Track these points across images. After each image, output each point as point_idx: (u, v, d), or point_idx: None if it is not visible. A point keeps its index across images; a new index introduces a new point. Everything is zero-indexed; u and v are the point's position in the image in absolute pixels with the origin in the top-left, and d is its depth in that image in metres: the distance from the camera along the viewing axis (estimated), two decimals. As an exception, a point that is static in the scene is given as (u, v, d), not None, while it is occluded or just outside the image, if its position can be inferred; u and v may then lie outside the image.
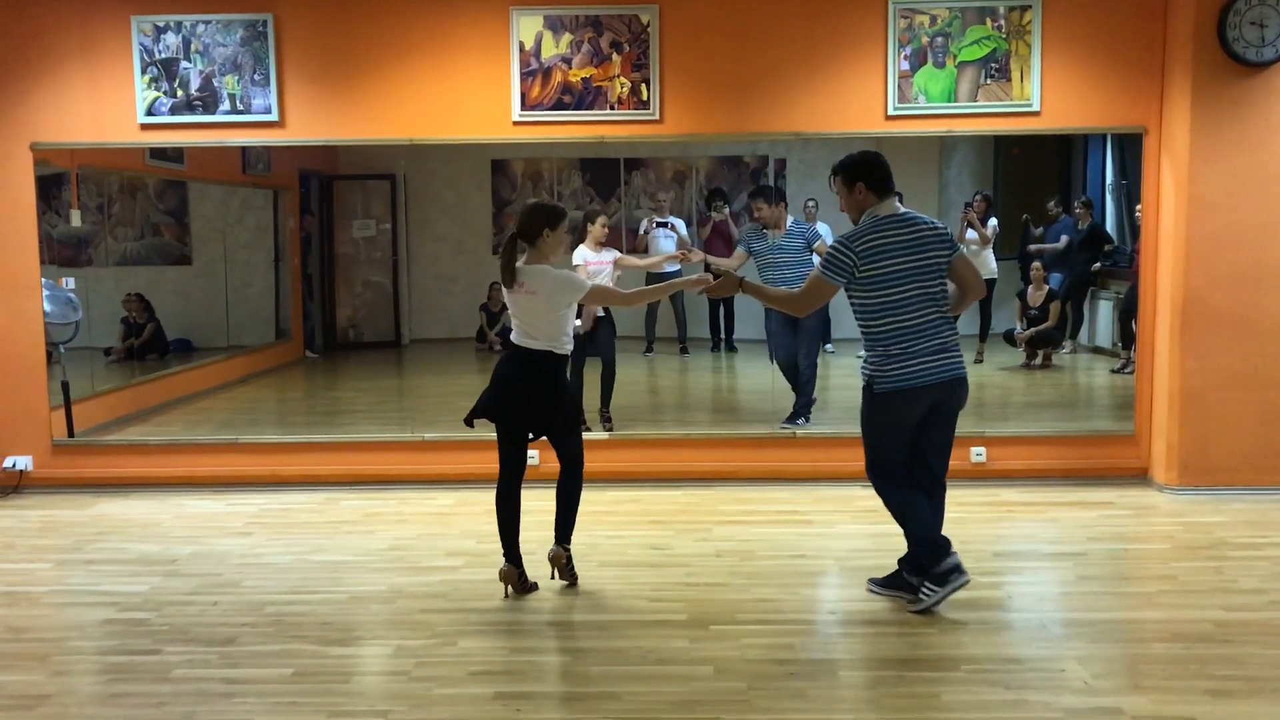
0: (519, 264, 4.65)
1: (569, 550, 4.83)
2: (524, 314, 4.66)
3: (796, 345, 7.26)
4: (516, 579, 4.73)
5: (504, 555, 4.75)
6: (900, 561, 4.60)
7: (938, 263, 4.36)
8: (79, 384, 7.01)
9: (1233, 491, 6.22)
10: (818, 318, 6.96)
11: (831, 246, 4.41)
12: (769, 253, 7.39)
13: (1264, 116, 6.07)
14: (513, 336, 4.69)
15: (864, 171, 4.40)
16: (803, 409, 7.14)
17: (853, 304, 4.43)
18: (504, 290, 4.70)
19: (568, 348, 4.71)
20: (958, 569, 4.38)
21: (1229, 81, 6.05)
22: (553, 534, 4.85)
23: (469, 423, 4.75)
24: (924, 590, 4.43)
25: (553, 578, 4.84)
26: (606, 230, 7.08)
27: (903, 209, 4.42)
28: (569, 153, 10.89)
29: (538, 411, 4.70)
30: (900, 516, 4.47)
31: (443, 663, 4.04)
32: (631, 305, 6.87)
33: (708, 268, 6.26)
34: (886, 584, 4.64)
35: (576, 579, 4.84)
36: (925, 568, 4.43)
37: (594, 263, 6.95)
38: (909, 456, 4.49)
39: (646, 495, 6.35)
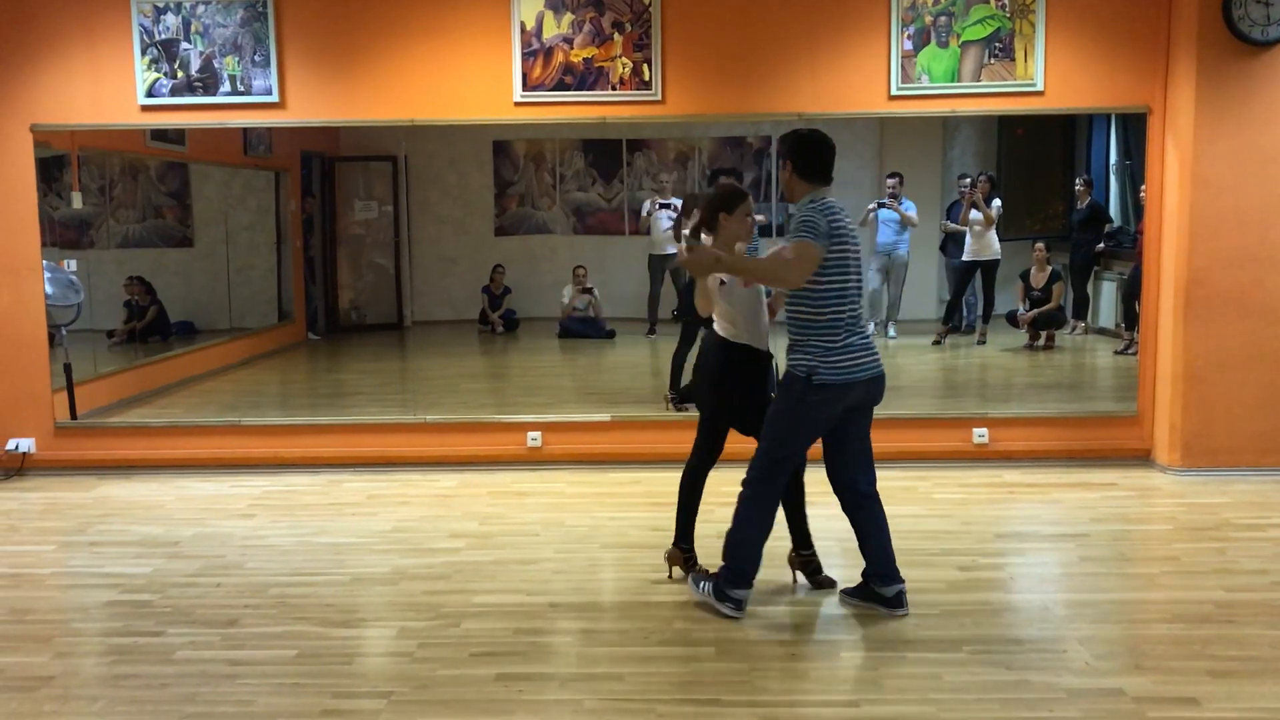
0: None
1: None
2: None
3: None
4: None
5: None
6: (864, 574, 4.39)
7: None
8: (81, 366, 7.02)
9: (1235, 472, 6.21)
10: None
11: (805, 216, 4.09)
12: None
13: (1269, 96, 6.03)
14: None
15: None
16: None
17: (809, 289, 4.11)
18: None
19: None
20: (738, 604, 4.27)
21: (1234, 61, 6.01)
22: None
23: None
24: (705, 585, 4.36)
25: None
26: None
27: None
28: (571, 134, 10.86)
29: None
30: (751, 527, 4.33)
31: (445, 644, 4.05)
32: None
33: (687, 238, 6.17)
34: (857, 594, 4.41)
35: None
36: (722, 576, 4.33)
37: None
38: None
39: (649, 477, 6.35)
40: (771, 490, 4.29)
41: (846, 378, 4.10)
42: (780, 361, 4.40)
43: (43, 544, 5.39)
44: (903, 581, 4.29)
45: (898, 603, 4.27)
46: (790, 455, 4.27)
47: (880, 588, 4.30)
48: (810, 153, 4.17)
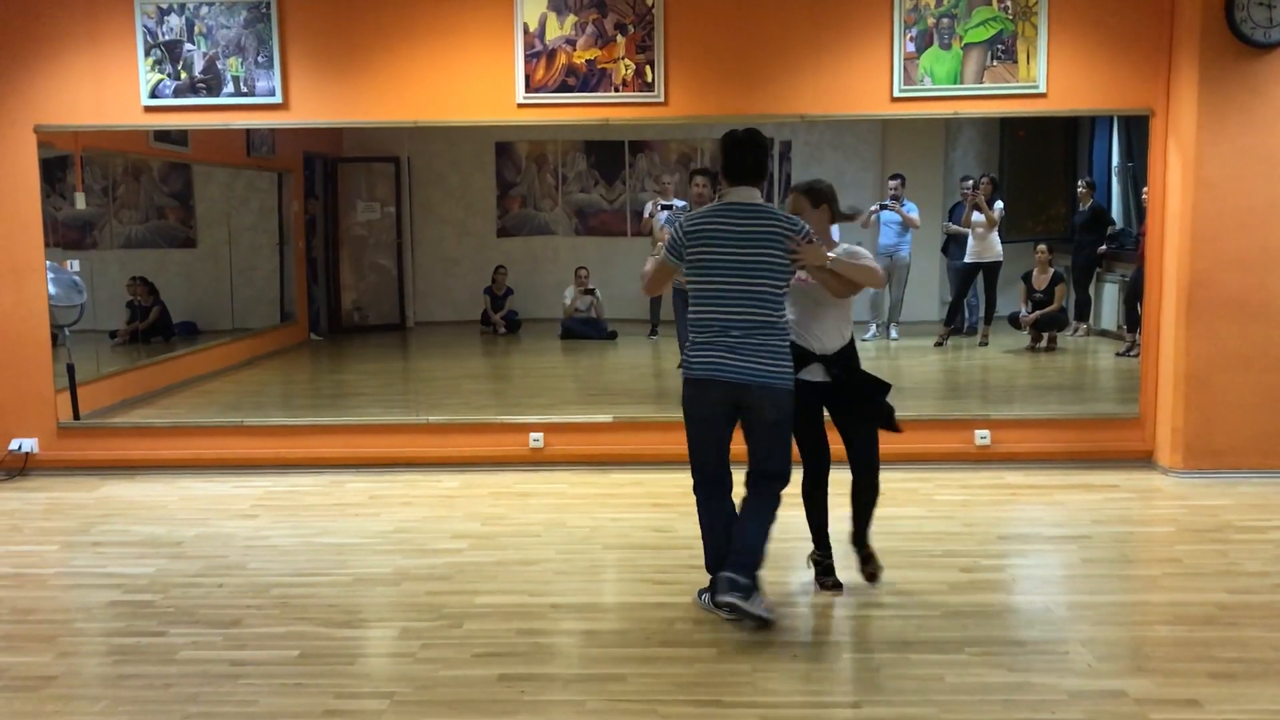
0: None
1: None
2: None
3: None
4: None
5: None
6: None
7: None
8: (84, 367, 7.03)
9: (1237, 474, 6.21)
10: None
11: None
12: None
13: (1272, 98, 6.03)
14: None
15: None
16: None
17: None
18: None
19: None
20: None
21: (1236, 63, 6.01)
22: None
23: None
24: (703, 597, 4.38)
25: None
26: None
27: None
28: (573, 135, 10.89)
29: None
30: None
31: (447, 644, 4.06)
32: None
33: None
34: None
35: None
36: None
37: None
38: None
39: (650, 478, 6.36)
40: (706, 492, 4.35)
41: (698, 373, 4.16)
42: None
43: (46, 544, 5.40)
44: (737, 590, 4.07)
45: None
46: (699, 454, 4.31)
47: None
48: (728, 152, 4.23)
